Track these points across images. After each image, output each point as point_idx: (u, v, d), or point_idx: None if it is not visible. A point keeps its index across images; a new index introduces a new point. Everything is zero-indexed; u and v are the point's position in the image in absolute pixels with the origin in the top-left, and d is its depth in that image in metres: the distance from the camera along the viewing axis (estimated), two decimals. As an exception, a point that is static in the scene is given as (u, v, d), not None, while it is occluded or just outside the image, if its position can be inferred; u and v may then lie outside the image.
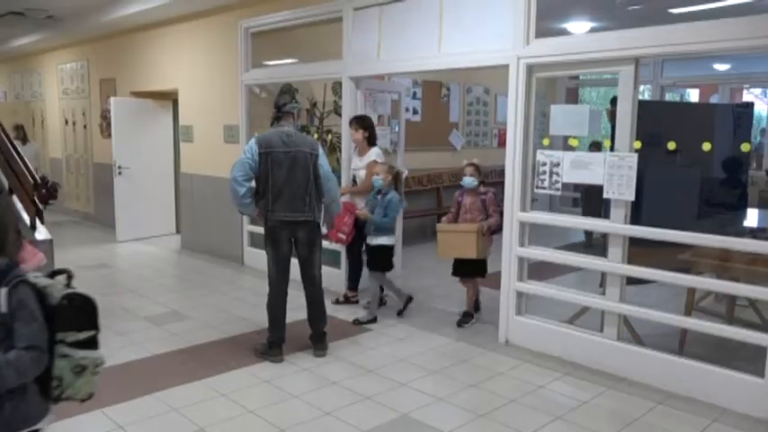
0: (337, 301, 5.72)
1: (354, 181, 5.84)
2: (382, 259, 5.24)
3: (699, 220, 4.69)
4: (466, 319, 5.17)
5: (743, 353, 3.85)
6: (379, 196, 5.19)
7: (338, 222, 5.23)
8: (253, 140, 4.36)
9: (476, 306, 5.37)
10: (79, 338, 2.04)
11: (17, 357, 1.90)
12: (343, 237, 5.42)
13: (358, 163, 5.76)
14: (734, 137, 5.07)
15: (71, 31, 9.48)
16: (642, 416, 3.61)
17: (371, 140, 5.68)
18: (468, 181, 5.06)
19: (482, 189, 5.07)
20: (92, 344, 2.07)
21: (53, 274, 2.10)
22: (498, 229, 4.86)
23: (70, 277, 2.10)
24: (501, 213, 4.79)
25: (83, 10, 8.37)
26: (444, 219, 5.29)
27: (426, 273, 6.81)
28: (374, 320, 5.24)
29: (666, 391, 3.91)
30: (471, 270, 5.11)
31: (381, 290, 5.44)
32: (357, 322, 5.19)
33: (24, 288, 1.97)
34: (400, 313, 5.41)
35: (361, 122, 5.63)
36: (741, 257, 4.01)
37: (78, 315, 2.04)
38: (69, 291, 2.05)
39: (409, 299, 5.49)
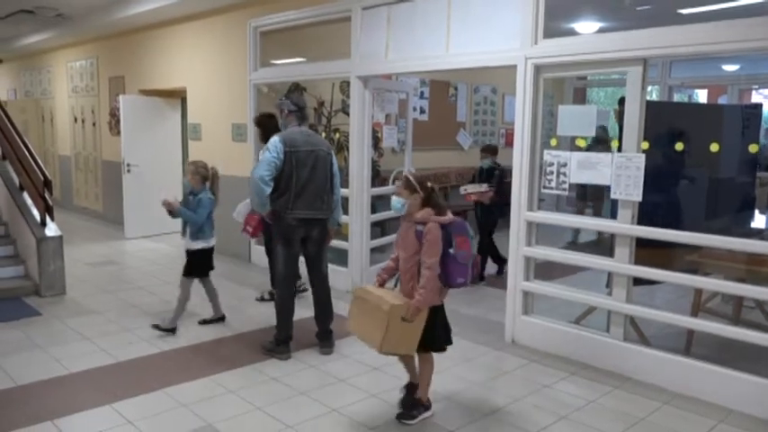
0: (262, 299, 5.82)
1: None
2: (198, 264, 4.93)
3: (706, 221, 4.69)
4: (410, 412, 3.50)
5: (749, 354, 3.84)
6: (191, 196, 4.84)
7: (249, 217, 5.37)
8: (277, 139, 4.34)
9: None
10: None
11: None
12: (250, 230, 5.46)
13: None
14: (742, 138, 5.06)
15: (81, 29, 9.53)
16: (648, 416, 3.62)
17: None
18: (395, 204, 3.41)
19: (420, 216, 3.29)
20: None
21: None
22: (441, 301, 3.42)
23: None
24: (461, 264, 3.27)
25: (92, 8, 8.43)
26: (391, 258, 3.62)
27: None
28: (222, 319, 5.16)
29: (672, 391, 3.91)
30: (428, 339, 3.40)
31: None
32: (157, 327, 4.87)
33: None
34: (204, 322, 5.10)
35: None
36: (748, 259, 4.01)
37: None
38: None
39: (222, 317, 5.19)
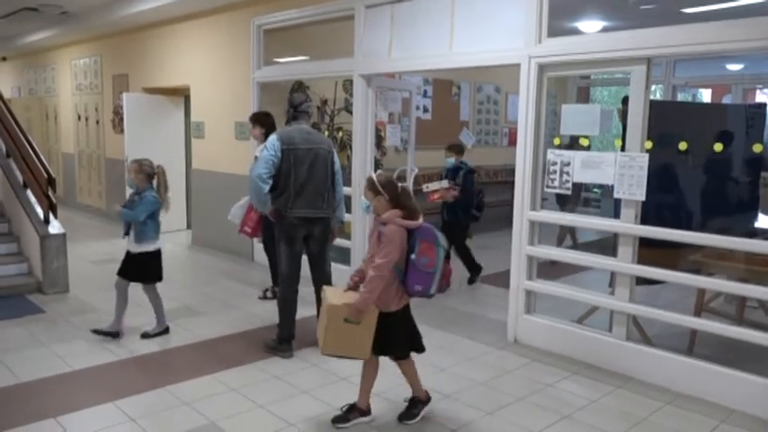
0: (265, 297, 5.83)
1: None
2: (148, 269, 4.68)
3: (710, 221, 4.68)
4: (412, 410, 3.53)
5: (752, 354, 3.84)
6: (136, 196, 4.61)
7: (246, 217, 5.38)
8: (274, 137, 4.36)
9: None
10: None
11: None
12: (248, 230, 5.45)
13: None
14: (746, 137, 5.04)
15: (85, 27, 9.55)
16: (650, 415, 3.62)
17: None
18: (361, 204, 3.49)
19: (386, 216, 3.20)
20: None
21: None
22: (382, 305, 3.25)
23: None
24: (419, 270, 3.15)
25: (97, 6, 8.44)
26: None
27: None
28: (166, 331, 4.83)
29: (675, 391, 3.91)
30: (384, 345, 3.31)
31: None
32: (146, 336, 4.74)
33: None
34: (146, 336, 4.74)
35: (258, 120, 5.58)
36: (752, 259, 4.00)
37: None
38: None
39: (166, 330, 4.86)
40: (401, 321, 3.32)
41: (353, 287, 3.38)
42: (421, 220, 3.22)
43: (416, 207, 3.23)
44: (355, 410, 3.44)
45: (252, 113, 5.95)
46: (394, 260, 3.14)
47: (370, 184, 3.26)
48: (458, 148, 6.47)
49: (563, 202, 5.60)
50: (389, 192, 3.22)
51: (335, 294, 3.35)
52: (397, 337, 3.31)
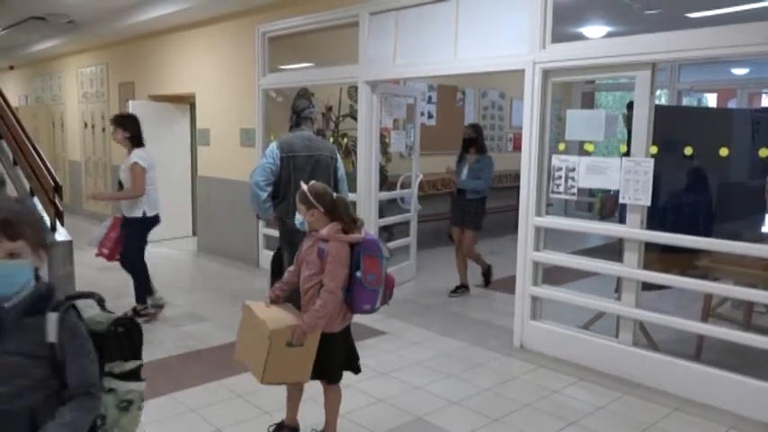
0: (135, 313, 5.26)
1: (120, 185, 5.42)
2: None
3: (716, 226, 4.66)
4: None
5: (760, 360, 3.81)
6: None
7: (105, 238, 5.25)
8: (274, 145, 4.39)
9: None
10: (125, 369, 1.81)
11: (74, 418, 1.59)
12: (106, 251, 5.29)
13: (122, 166, 5.41)
14: (752, 142, 5.03)
15: (91, 36, 9.62)
16: (657, 422, 3.60)
17: (135, 141, 5.33)
18: (296, 219, 3.29)
19: (325, 232, 2.92)
20: (136, 375, 1.85)
21: (76, 297, 1.76)
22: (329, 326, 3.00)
23: (102, 302, 1.83)
24: (370, 289, 2.92)
25: (103, 15, 8.50)
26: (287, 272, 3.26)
27: (441, 276, 6.81)
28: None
29: (682, 397, 3.89)
30: (322, 367, 3.04)
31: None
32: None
33: (74, 314, 1.68)
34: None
35: (120, 122, 5.38)
36: (759, 263, 3.98)
37: (124, 343, 1.81)
38: (117, 316, 1.82)
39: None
40: (342, 341, 3.09)
41: (277, 301, 3.13)
42: (363, 232, 2.98)
43: (355, 217, 3.00)
44: (284, 429, 3.27)
45: (114, 115, 5.65)
46: (342, 279, 2.90)
47: (303, 197, 2.99)
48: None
49: None
50: (324, 204, 2.95)
51: (266, 313, 3.00)
52: (335, 359, 3.06)
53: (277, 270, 5.00)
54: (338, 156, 4.59)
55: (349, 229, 2.95)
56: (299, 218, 3.17)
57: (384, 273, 2.97)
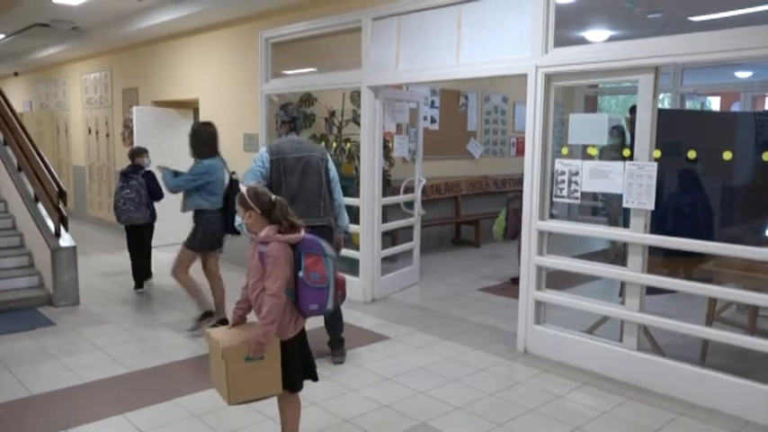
0: None
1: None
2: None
3: (720, 230, 4.65)
4: None
5: (765, 364, 3.80)
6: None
7: None
8: (263, 149, 4.45)
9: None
10: None
11: None
12: None
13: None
14: (756, 145, 5.02)
15: (95, 42, 9.66)
16: (662, 427, 3.58)
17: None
18: (237, 223, 3.19)
19: (263, 235, 2.84)
20: None
21: None
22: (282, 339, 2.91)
23: None
24: (318, 292, 2.85)
25: (107, 21, 8.54)
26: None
27: (444, 281, 6.81)
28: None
29: (687, 402, 3.87)
30: (284, 376, 2.94)
31: None
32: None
33: None
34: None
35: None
36: (764, 267, 3.97)
37: None
38: None
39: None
40: (298, 347, 2.99)
41: (240, 321, 3.03)
42: (303, 232, 2.90)
43: (295, 219, 2.91)
44: None
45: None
46: (285, 280, 2.80)
47: (241, 200, 2.90)
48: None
49: None
50: (260, 205, 2.86)
51: (223, 335, 2.93)
52: (294, 366, 2.96)
53: None
54: (329, 157, 4.58)
55: (286, 231, 2.86)
56: (238, 219, 3.09)
57: (330, 272, 2.90)
